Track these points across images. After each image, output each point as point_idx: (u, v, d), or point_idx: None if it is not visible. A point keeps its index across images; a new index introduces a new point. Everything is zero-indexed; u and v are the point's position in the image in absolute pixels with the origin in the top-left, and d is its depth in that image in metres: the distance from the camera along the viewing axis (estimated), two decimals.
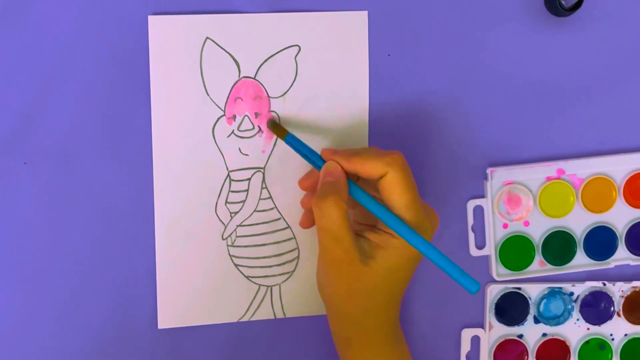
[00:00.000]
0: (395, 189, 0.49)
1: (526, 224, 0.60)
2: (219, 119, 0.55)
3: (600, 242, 0.61)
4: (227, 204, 0.56)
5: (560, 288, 0.61)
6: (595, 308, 0.62)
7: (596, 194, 0.60)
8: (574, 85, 0.60)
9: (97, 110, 0.53)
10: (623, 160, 0.60)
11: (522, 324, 0.61)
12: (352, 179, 0.52)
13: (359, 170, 0.50)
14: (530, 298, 0.61)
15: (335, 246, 0.49)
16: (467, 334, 0.61)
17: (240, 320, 0.57)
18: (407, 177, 0.50)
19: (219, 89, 0.54)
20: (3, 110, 0.52)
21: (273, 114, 0.55)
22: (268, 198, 0.56)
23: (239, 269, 0.56)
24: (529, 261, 0.61)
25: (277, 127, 0.55)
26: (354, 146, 0.56)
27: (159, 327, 0.56)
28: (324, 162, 0.52)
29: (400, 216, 0.49)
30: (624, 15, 0.60)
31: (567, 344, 0.62)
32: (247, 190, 0.56)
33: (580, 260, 0.61)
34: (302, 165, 0.55)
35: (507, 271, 0.60)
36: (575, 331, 0.62)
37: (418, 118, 0.58)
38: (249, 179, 0.56)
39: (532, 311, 0.61)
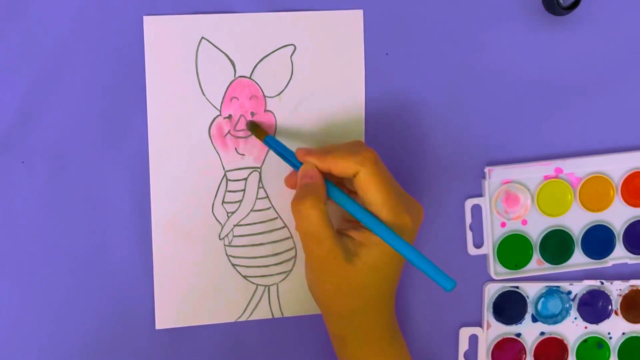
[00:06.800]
0: (369, 188, 0.49)
1: (524, 222, 0.60)
2: (215, 118, 0.55)
3: (598, 240, 0.61)
4: (224, 204, 0.56)
5: (558, 287, 0.61)
6: (593, 307, 0.61)
7: (594, 192, 0.60)
8: (572, 84, 0.59)
9: (94, 110, 0.53)
10: (621, 159, 0.60)
11: (520, 323, 0.61)
12: (332, 179, 0.51)
13: (332, 169, 0.50)
14: (528, 297, 0.61)
15: (318, 247, 0.49)
16: (465, 333, 0.61)
17: (238, 320, 0.57)
18: (380, 174, 0.49)
19: (215, 89, 0.54)
20: (0, 109, 0.52)
21: (268, 113, 0.55)
22: (265, 197, 0.56)
23: (236, 269, 0.56)
24: (526, 260, 0.60)
25: (256, 129, 0.55)
26: (330, 144, 0.54)
27: (157, 327, 0.56)
28: (302, 163, 0.52)
29: (376, 214, 0.49)
30: (621, 14, 0.59)
31: (565, 342, 0.62)
32: (243, 190, 0.56)
33: (578, 259, 0.61)
34: None
35: (505, 270, 0.60)
36: (573, 330, 0.62)
37: (415, 117, 0.58)
38: (246, 179, 0.56)
39: (530, 310, 0.61)
